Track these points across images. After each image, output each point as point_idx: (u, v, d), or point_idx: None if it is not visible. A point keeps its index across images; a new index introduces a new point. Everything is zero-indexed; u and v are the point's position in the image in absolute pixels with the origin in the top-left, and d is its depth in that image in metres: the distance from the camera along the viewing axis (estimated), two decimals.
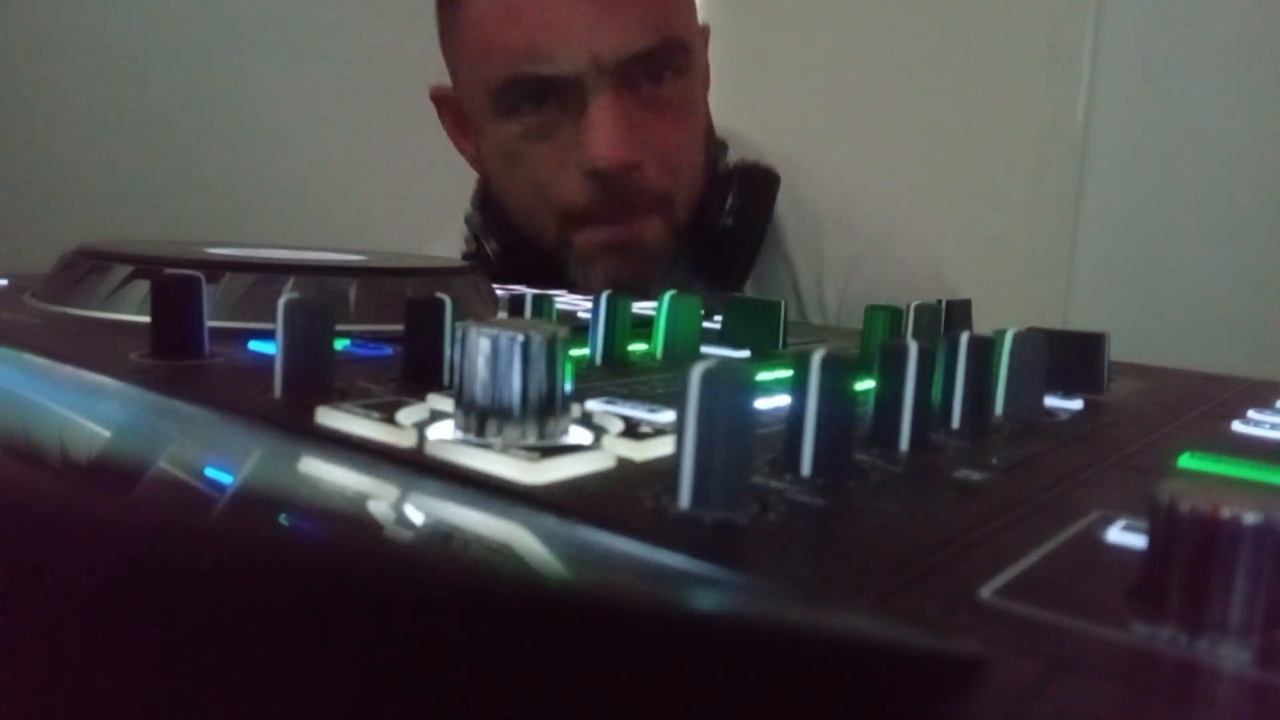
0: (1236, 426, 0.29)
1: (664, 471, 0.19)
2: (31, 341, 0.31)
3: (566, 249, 0.69)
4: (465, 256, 0.71)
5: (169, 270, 0.31)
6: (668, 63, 0.66)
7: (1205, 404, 0.33)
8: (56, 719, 0.13)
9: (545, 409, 0.20)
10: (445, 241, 0.81)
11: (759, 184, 0.70)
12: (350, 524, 0.18)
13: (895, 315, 0.37)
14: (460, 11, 0.66)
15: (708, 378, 0.17)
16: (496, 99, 0.66)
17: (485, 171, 0.73)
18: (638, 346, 0.37)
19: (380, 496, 0.19)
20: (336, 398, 0.23)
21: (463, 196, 0.76)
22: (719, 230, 0.68)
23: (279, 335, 0.24)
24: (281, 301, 0.24)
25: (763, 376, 0.32)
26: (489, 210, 0.73)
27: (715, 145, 0.74)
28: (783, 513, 0.17)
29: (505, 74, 0.64)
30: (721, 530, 0.16)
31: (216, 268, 0.38)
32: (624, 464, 0.20)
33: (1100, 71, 1.55)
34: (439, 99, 0.76)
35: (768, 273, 0.75)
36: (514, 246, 0.70)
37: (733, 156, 0.73)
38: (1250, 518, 0.13)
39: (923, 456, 0.22)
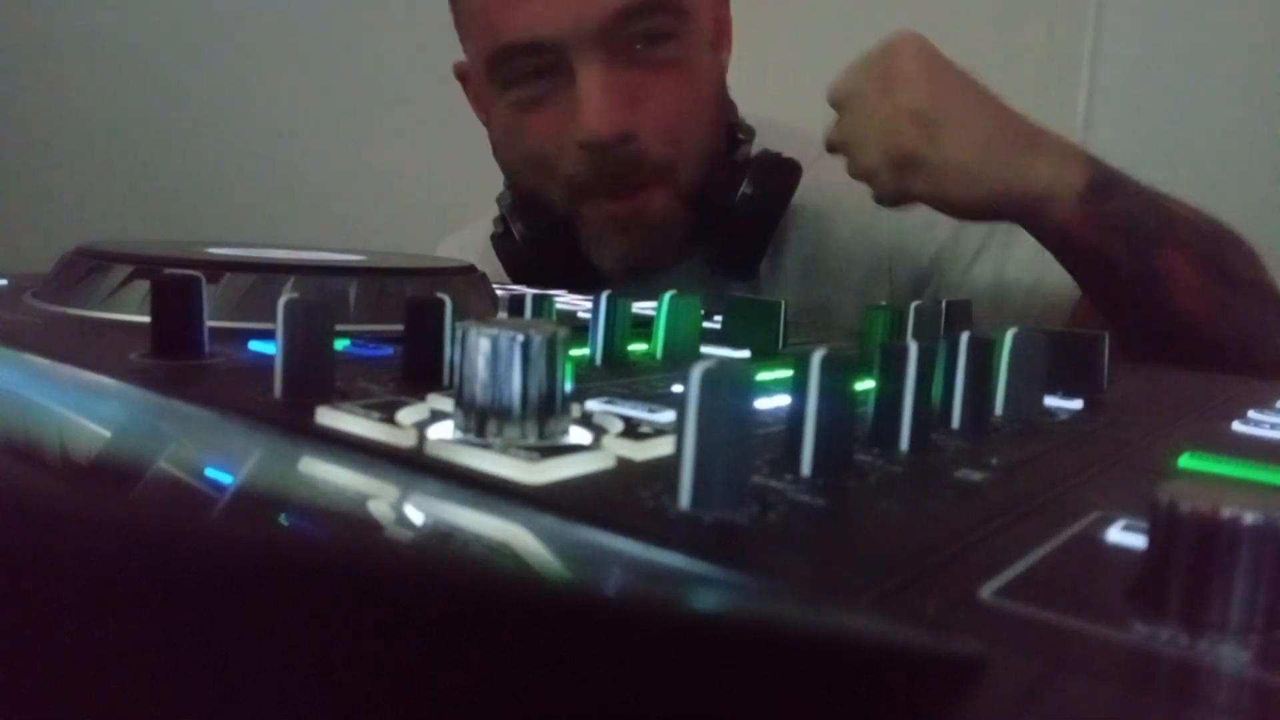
0: (1236, 426, 0.29)
1: (664, 471, 0.19)
2: (31, 341, 0.31)
3: (578, 222, 0.67)
4: (493, 238, 0.69)
5: (169, 270, 0.31)
6: (657, 24, 0.62)
7: (1205, 404, 0.33)
8: (57, 719, 0.13)
9: (545, 409, 0.20)
10: (468, 234, 0.79)
11: (777, 173, 0.68)
12: (350, 524, 0.18)
13: (895, 315, 0.37)
14: None
15: (708, 378, 0.17)
16: (492, 71, 0.65)
17: (494, 146, 0.71)
18: (638, 346, 0.37)
19: (380, 496, 0.19)
20: (336, 398, 0.23)
21: (460, 196, 0.76)
22: (730, 216, 0.66)
23: (279, 335, 0.24)
24: (281, 301, 0.24)
25: (763, 376, 0.32)
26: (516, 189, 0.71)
27: (735, 118, 0.71)
28: (783, 513, 0.17)
29: (495, 45, 0.63)
30: (721, 530, 0.16)
31: (216, 268, 0.38)
32: (624, 464, 0.20)
33: (1100, 71, 1.55)
34: (462, 75, 0.74)
35: (789, 262, 0.72)
36: (539, 229, 0.67)
37: (760, 145, 0.70)
38: (1250, 518, 0.13)
39: (923, 456, 0.22)
